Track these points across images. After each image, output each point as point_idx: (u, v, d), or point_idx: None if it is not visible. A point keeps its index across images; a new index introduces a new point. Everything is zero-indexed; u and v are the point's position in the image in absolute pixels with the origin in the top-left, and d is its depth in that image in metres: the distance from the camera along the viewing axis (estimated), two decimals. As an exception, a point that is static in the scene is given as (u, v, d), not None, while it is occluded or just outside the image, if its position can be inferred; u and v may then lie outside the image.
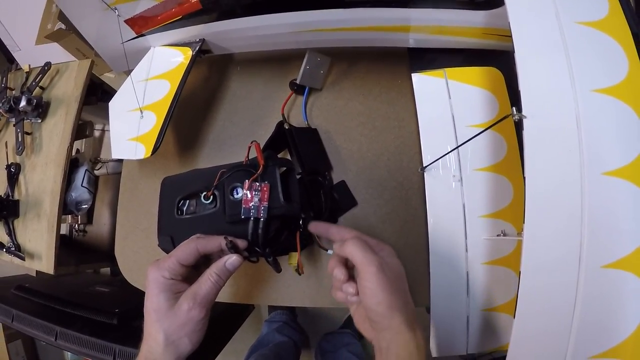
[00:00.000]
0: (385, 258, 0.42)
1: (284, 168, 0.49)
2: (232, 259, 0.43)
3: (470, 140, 0.51)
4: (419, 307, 0.67)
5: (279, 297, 0.60)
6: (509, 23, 0.41)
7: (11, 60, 0.95)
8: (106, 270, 1.18)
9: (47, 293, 0.78)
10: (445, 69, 0.56)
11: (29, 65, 0.81)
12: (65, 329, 0.68)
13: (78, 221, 0.91)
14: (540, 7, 0.43)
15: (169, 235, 0.48)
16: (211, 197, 0.47)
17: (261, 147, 0.47)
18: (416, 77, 0.56)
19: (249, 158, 0.48)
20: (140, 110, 0.60)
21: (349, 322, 1.25)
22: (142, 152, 0.58)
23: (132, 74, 0.62)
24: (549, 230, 0.38)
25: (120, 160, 0.78)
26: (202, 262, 0.45)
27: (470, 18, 0.51)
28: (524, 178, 0.40)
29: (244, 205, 0.43)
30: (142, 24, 0.59)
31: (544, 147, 0.38)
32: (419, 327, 0.40)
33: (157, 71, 0.61)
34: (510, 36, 0.49)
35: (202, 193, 0.47)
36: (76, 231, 0.91)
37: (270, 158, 0.46)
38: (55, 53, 0.91)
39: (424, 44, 0.56)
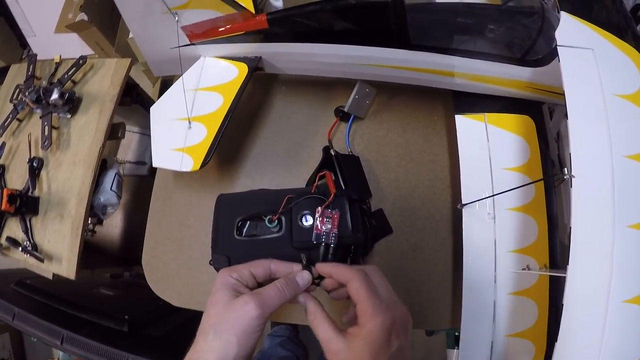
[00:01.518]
0: (354, 342, 0.37)
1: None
2: (302, 274, 0.43)
3: (506, 183, 0.57)
4: (419, 329, 0.72)
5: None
6: (564, 92, 0.47)
7: (24, 45, 0.89)
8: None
9: (51, 292, 0.74)
10: (485, 113, 0.61)
11: (60, 56, 0.76)
12: (73, 333, 0.65)
13: (89, 221, 0.86)
14: (589, 79, 0.49)
15: (226, 255, 0.48)
16: (276, 221, 0.48)
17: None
18: (459, 119, 0.61)
19: (317, 185, 0.49)
20: (189, 121, 0.59)
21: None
22: (189, 164, 0.58)
23: (180, 81, 0.61)
24: (587, 268, 0.44)
25: (142, 163, 0.76)
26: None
27: (517, 73, 0.56)
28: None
29: (315, 231, 0.45)
30: (200, 33, 0.59)
31: (586, 202, 0.45)
32: None
33: (209, 83, 0.61)
34: (550, 92, 0.57)
35: (266, 216, 0.48)
36: (86, 231, 0.86)
37: (337, 188, 0.49)
38: (71, 44, 0.87)
39: (470, 89, 0.61)
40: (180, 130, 0.60)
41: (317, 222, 0.46)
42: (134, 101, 0.85)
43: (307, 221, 0.47)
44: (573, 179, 0.45)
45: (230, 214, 0.50)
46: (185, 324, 0.81)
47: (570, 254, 0.44)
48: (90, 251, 0.85)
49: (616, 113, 0.48)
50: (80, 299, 0.76)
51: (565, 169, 0.45)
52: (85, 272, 0.74)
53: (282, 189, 0.50)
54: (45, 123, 0.73)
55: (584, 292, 0.44)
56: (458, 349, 0.94)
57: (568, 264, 0.44)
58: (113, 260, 0.89)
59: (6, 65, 0.95)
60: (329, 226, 0.46)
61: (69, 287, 0.68)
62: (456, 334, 1.04)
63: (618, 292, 0.44)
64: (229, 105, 0.58)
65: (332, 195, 0.47)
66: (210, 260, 0.49)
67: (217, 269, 0.49)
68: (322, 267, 0.43)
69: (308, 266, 0.44)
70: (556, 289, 0.57)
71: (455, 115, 0.61)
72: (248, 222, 0.49)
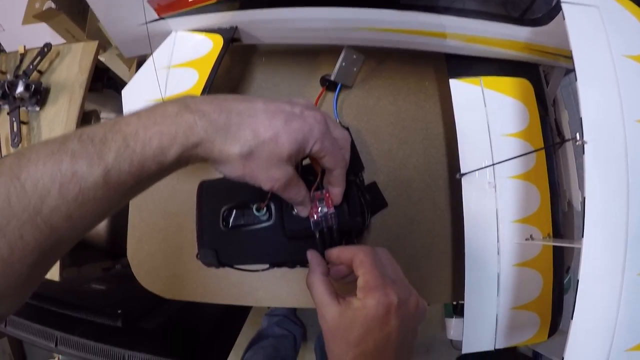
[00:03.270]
0: (347, 309, 0.35)
1: None
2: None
3: (506, 150, 0.54)
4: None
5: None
6: (571, 52, 0.44)
7: None
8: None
9: (39, 293, 0.71)
10: (482, 77, 0.57)
11: (24, 47, 0.70)
12: (67, 334, 0.63)
13: None
14: (596, 38, 0.46)
15: (213, 248, 0.45)
16: (264, 208, 0.44)
17: None
18: (454, 83, 0.57)
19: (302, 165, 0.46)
20: (164, 101, 0.55)
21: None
22: (167, 147, 0.54)
23: (150, 60, 0.57)
24: (601, 239, 0.42)
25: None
26: None
27: (515, 33, 0.52)
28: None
29: (311, 219, 0.42)
30: (168, 5, 0.53)
31: (599, 169, 0.42)
32: None
33: (182, 59, 0.56)
34: (550, 53, 0.53)
35: (253, 204, 0.45)
36: None
37: None
38: (43, 35, 0.82)
39: (464, 51, 0.56)
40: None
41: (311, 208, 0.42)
42: (106, 86, 0.80)
43: None
44: (585, 144, 0.42)
45: (215, 203, 0.46)
46: (180, 312, 0.79)
47: (584, 226, 0.41)
48: (76, 248, 0.81)
49: (626, 75, 0.45)
50: (72, 297, 0.74)
51: (577, 134, 0.42)
52: (72, 270, 0.71)
53: None
54: (14, 119, 0.69)
55: (599, 266, 0.42)
56: (457, 317, 0.94)
57: (583, 236, 0.41)
58: (101, 255, 0.86)
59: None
60: (325, 209, 0.42)
61: (58, 286, 0.65)
62: (454, 302, 1.04)
63: (633, 264, 0.42)
64: (205, 81, 0.54)
65: (319, 175, 0.43)
66: (197, 255, 0.46)
67: (205, 264, 0.46)
68: (329, 254, 0.40)
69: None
70: (560, 259, 0.55)
71: (450, 79, 0.57)
72: (234, 211, 0.46)
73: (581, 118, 0.42)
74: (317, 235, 0.42)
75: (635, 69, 0.45)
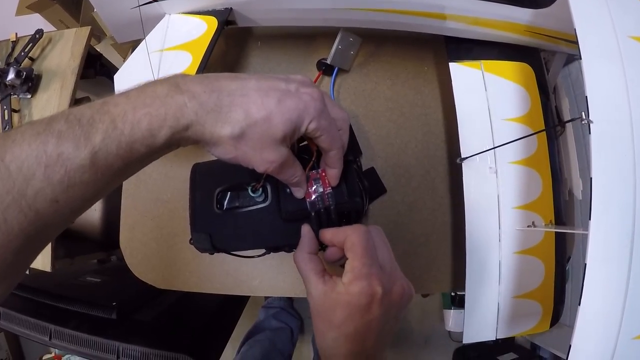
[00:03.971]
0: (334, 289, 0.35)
1: None
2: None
3: (507, 135, 0.53)
4: (418, 293, 0.68)
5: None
6: (575, 31, 0.42)
7: None
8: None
9: (34, 286, 0.69)
10: (482, 60, 0.56)
11: (16, 34, 0.70)
12: (60, 327, 0.61)
13: None
14: (600, 18, 0.44)
15: (207, 232, 0.43)
16: (260, 189, 0.43)
17: None
18: (454, 67, 0.56)
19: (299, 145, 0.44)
20: (154, 80, 0.54)
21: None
22: (160, 131, 0.53)
23: (143, 44, 0.55)
24: (610, 222, 0.40)
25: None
26: None
27: (517, 15, 0.51)
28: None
29: (308, 199, 0.40)
30: (161, -13, 0.52)
31: (606, 150, 0.41)
32: None
33: (175, 41, 0.55)
34: (552, 37, 0.52)
35: (248, 185, 0.43)
36: None
37: None
38: (37, 25, 0.80)
39: (464, 34, 0.55)
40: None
41: (307, 188, 0.40)
42: (99, 73, 0.79)
43: None
44: (591, 124, 0.40)
45: (208, 186, 0.45)
46: (175, 305, 0.78)
47: (592, 208, 0.40)
48: (70, 239, 0.80)
49: (631, 55, 0.43)
50: (66, 290, 0.72)
51: (583, 112, 0.41)
52: (65, 262, 0.70)
53: None
54: (5, 107, 0.68)
55: (607, 250, 0.40)
56: (456, 309, 0.92)
57: (590, 219, 0.39)
58: (95, 246, 0.84)
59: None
60: (320, 189, 0.41)
61: (52, 279, 0.64)
62: (452, 294, 1.03)
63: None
64: (199, 64, 0.52)
65: (315, 153, 0.41)
66: (191, 239, 0.44)
67: (199, 249, 0.44)
68: (322, 234, 0.39)
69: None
70: (562, 247, 0.54)
71: (449, 63, 0.56)
72: (229, 193, 0.44)
73: (587, 97, 0.41)
74: (314, 216, 0.40)
75: (640, 50, 0.44)
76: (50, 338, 0.63)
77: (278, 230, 0.42)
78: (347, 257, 0.35)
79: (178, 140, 0.31)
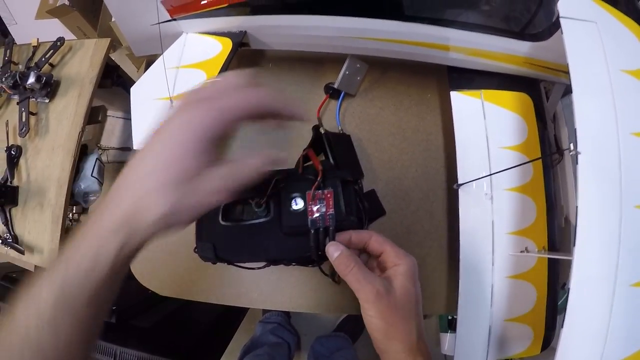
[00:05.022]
0: (396, 279, 0.40)
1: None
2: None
3: (504, 162, 0.55)
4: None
5: (307, 304, 0.59)
6: (568, 65, 0.44)
7: (5, 33, 0.86)
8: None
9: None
10: (482, 90, 0.59)
11: (37, 39, 0.72)
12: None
13: (73, 210, 0.83)
14: (593, 52, 0.47)
15: (211, 242, 0.45)
16: (264, 205, 0.45)
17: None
18: (455, 95, 0.58)
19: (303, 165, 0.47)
20: (171, 100, 0.56)
21: (343, 325, 1.27)
22: (171, 145, 0.55)
23: (160, 59, 0.58)
24: (594, 249, 0.42)
25: (127, 149, 0.73)
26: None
27: (516, 47, 0.54)
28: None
29: (310, 217, 0.42)
30: (181, 7, 0.55)
31: (592, 180, 0.43)
32: (422, 352, 0.41)
33: (191, 60, 0.58)
34: (549, 68, 0.54)
35: (253, 199, 0.45)
36: (69, 220, 0.83)
37: (327, 166, 0.46)
38: (54, 30, 0.84)
39: (465, 64, 0.58)
40: (162, 111, 0.56)
41: (310, 206, 0.42)
42: (115, 83, 0.82)
43: (297, 204, 0.43)
44: (579, 155, 0.42)
45: None
46: (174, 313, 0.79)
47: (576, 234, 0.41)
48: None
49: (622, 89, 0.45)
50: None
51: (572, 144, 0.43)
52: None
53: (270, 170, 0.47)
54: (23, 109, 0.70)
55: (591, 275, 0.42)
56: (452, 332, 0.93)
57: (574, 246, 0.41)
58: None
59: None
60: (323, 209, 0.43)
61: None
62: (449, 317, 1.03)
63: (625, 275, 0.41)
64: (213, 83, 0.55)
65: (320, 173, 0.43)
66: (195, 248, 0.46)
67: (203, 258, 0.46)
68: (340, 236, 0.42)
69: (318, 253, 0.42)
70: (555, 272, 0.56)
71: (451, 92, 0.59)
72: (234, 206, 0.47)
73: (575, 129, 0.43)
74: (313, 233, 0.42)
75: (632, 83, 0.46)
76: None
77: (279, 243, 0.44)
78: (384, 249, 0.41)
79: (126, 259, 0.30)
